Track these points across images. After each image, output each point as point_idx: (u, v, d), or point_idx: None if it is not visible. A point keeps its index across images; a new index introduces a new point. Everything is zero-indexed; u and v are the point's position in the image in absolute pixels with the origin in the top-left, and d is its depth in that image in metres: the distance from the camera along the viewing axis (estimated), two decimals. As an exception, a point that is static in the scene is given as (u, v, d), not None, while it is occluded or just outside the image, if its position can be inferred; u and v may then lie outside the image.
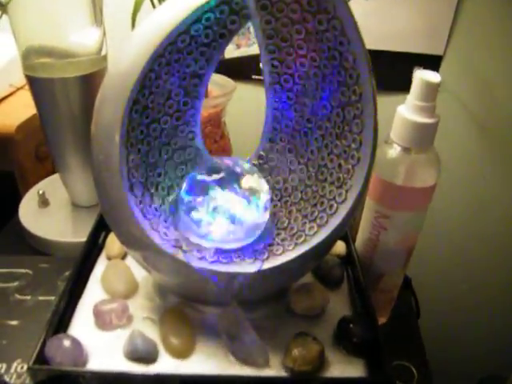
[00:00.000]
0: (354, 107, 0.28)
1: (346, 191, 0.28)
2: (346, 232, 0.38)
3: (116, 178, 0.27)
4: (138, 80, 0.26)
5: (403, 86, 0.42)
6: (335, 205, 0.29)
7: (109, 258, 0.38)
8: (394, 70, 0.55)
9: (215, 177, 0.29)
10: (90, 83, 0.42)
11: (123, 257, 0.38)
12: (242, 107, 0.57)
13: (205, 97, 0.32)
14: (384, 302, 0.39)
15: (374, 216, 0.35)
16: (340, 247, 0.38)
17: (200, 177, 0.29)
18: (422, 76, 0.31)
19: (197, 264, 0.28)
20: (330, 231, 0.29)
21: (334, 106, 0.29)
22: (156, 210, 0.30)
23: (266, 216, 0.31)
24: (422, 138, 0.32)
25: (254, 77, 0.59)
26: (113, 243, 0.38)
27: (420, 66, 0.55)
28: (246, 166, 0.31)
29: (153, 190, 0.30)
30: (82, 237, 0.41)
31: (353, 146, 0.28)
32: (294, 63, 0.29)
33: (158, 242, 0.28)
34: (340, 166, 0.29)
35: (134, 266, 0.35)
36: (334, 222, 0.29)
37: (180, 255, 0.28)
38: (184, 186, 0.30)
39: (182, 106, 0.32)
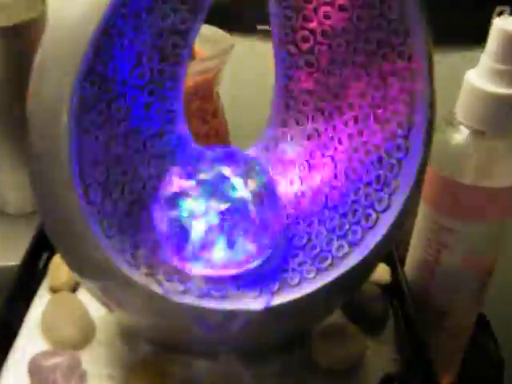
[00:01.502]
0: (400, 76, 0.28)
1: (390, 195, 0.29)
2: (390, 252, 0.39)
3: (63, 176, 0.28)
4: (93, 39, 0.27)
5: (474, 41, 0.42)
6: (374, 214, 0.30)
7: (53, 291, 0.38)
8: (460, 18, 0.56)
9: (205, 176, 0.30)
10: (19, 38, 0.42)
11: (73, 288, 0.39)
12: (243, 74, 0.57)
13: (190, 59, 0.34)
14: (449, 353, 0.39)
15: (431, 229, 0.36)
16: (382, 273, 0.39)
17: (184, 176, 0.30)
18: (504, 26, 0.31)
19: (178, 299, 0.29)
20: (368, 251, 0.29)
21: (372, 75, 0.29)
22: (121, 222, 0.31)
23: (277, 230, 0.32)
24: (502, 116, 0.33)
25: (259, 27, 0.59)
26: (58, 269, 0.39)
27: (502, 10, 0.54)
28: (249, 159, 0.32)
29: (116, 194, 0.31)
30: (12, 259, 0.41)
31: (398, 130, 0.29)
32: (316, 13, 0.30)
33: (123, 268, 0.29)
34: (380, 159, 0.30)
35: (89, 302, 0.36)
36: (373, 238, 0.29)
37: (154, 286, 0.29)
38: (161, 188, 0.31)
39: (156, 75, 0.32)
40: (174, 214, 0.30)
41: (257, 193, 0.30)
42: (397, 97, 0.29)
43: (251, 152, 0.36)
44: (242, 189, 0.30)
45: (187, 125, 0.35)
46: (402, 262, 0.39)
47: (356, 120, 0.31)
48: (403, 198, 0.29)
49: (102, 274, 0.29)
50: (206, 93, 0.46)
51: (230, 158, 0.32)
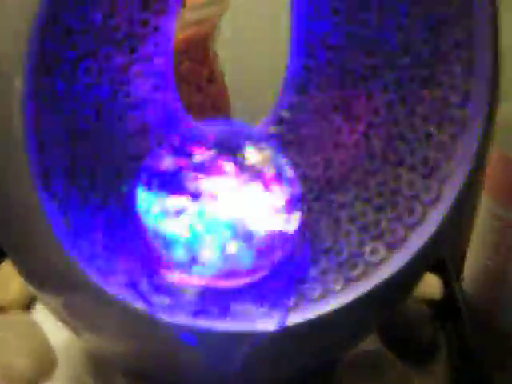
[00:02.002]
0: (456, 27, 0.29)
1: (440, 182, 0.30)
2: (441, 259, 0.40)
3: (16, 158, 0.28)
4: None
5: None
6: (420, 208, 0.30)
7: (-1, 309, 0.39)
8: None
9: (200, 158, 0.30)
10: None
11: (26, 306, 0.39)
12: (247, 26, 0.57)
13: (180, 7, 0.34)
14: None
15: (496, 228, 0.37)
16: (431, 286, 0.40)
17: (173, 159, 0.31)
18: None
19: (167, 318, 0.29)
20: (412, 256, 0.30)
21: (418, 27, 0.30)
22: (91, 217, 0.31)
23: (293, 228, 0.32)
24: None
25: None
26: (6, 282, 0.39)
27: None
28: (257, 137, 0.32)
29: (85, 183, 0.32)
30: None
31: (452, 98, 0.29)
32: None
33: (94, 277, 0.29)
34: (428, 137, 0.30)
35: (48, 324, 0.36)
36: (418, 238, 0.30)
37: (135, 301, 0.29)
38: (142, 175, 0.32)
39: (137, 26, 0.33)
40: (159, 209, 0.31)
41: (266, 181, 0.31)
42: (451, 55, 0.29)
43: (259, 128, 0.37)
44: (246, 178, 0.31)
45: (177, 93, 0.36)
46: (458, 273, 0.40)
47: (397, 84, 0.31)
48: (458, 187, 0.29)
49: (66, 285, 0.30)
50: (200, 51, 0.46)
51: (231, 137, 0.32)
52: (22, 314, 0.39)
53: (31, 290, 0.33)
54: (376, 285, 0.30)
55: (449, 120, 0.30)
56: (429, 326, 0.38)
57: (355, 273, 0.31)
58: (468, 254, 0.39)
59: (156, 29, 0.33)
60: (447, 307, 0.39)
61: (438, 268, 0.40)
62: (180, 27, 0.42)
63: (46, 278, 0.31)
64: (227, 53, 0.50)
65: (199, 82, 0.47)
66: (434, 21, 0.30)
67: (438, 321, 0.38)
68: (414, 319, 0.38)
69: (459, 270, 0.40)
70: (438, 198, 0.30)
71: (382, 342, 0.38)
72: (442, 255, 0.39)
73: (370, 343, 0.37)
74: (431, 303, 0.39)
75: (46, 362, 0.36)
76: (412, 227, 0.30)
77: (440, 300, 0.40)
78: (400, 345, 0.37)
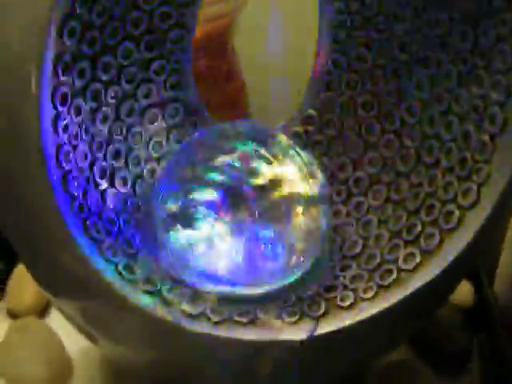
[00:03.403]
0: (498, 21, 0.28)
1: (479, 185, 0.29)
2: (475, 265, 0.39)
3: (33, 159, 0.27)
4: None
5: None
6: (457, 211, 0.29)
7: (13, 316, 0.39)
8: None
9: (223, 160, 0.30)
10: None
11: (41, 313, 0.39)
12: (267, 19, 0.54)
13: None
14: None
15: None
16: (463, 293, 0.39)
17: (194, 159, 0.30)
18: None
19: (190, 326, 0.29)
20: (448, 262, 0.29)
21: (457, 20, 0.29)
22: (111, 222, 0.31)
23: (322, 230, 0.31)
24: None
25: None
26: (20, 287, 0.39)
27: None
28: (281, 138, 0.32)
29: (105, 184, 0.31)
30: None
31: (492, 95, 0.28)
32: None
33: (114, 283, 0.29)
34: (466, 135, 0.29)
35: (64, 331, 0.36)
36: (456, 244, 0.29)
37: (157, 308, 0.29)
38: (163, 175, 0.31)
39: (157, 20, 0.32)
40: (180, 212, 0.30)
41: (290, 182, 0.31)
42: (490, 46, 0.28)
43: (284, 128, 0.36)
44: (270, 179, 0.30)
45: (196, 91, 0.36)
46: (491, 279, 0.39)
47: (432, 79, 0.31)
48: (499, 190, 0.28)
49: (84, 292, 0.29)
50: (218, 47, 0.46)
51: (255, 138, 0.31)
52: (37, 321, 0.38)
53: (47, 295, 0.32)
54: (410, 293, 0.29)
55: (489, 118, 0.29)
56: (460, 333, 0.37)
57: (388, 280, 0.30)
58: (501, 259, 0.39)
59: (178, 22, 0.33)
60: (479, 315, 0.38)
61: (470, 274, 0.39)
62: (198, 22, 0.42)
63: (63, 283, 0.30)
64: (246, 49, 0.50)
65: (217, 79, 0.47)
66: (473, 14, 0.29)
67: (469, 329, 0.38)
68: (445, 327, 0.37)
69: (492, 276, 0.39)
70: (476, 202, 0.29)
71: (413, 350, 0.37)
72: (477, 262, 0.39)
73: (399, 352, 0.36)
74: (462, 310, 0.39)
75: (61, 371, 0.36)
76: (449, 232, 0.29)
77: (471, 307, 0.39)
78: (431, 354, 0.37)
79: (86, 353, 0.37)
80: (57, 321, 0.37)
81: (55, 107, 0.28)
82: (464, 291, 0.39)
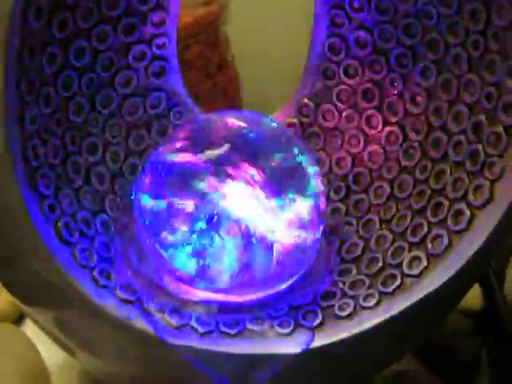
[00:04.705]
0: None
1: (492, 182, 0.28)
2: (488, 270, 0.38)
3: None
4: None
5: None
6: (468, 211, 0.28)
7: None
8: None
9: (210, 154, 0.29)
10: None
11: (16, 320, 0.38)
12: (263, 4, 0.56)
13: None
14: None
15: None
16: (472, 298, 0.38)
17: (179, 156, 0.30)
18: None
19: (173, 338, 0.28)
20: (458, 267, 0.28)
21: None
22: (86, 223, 0.30)
23: (318, 232, 0.30)
24: None
25: None
26: None
27: None
28: (274, 128, 0.31)
29: (78, 183, 0.31)
30: None
31: (507, 82, 0.27)
32: None
33: (88, 291, 0.28)
34: (477, 127, 0.29)
35: (41, 340, 0.35)
36: (467, 246, 0.28)
37: (137, 319, 0.28)
38: (144, 172, 0.30)
39: (136, 1, 0.32)
40: (164, 213, 0.30)
41: (285, 178, 0.30)
42: (505, 28, 0.27)
43: (277, 119, 0.35)
44: (265, 172, 0.29)
45: (184, 79, 0.35)
46: (501, 282, 0.38)
47: (440, 65, 0.30)
48: None
49: (56, 300, 0.28)
50: (210, 34, 0.46)
51: (245, 132, 0.30)
52: (12, 328, 0.38)
53: (18, 304, 0.32)
54: (415, 301, 0.28)
55: (503, 108, 0.28)
56: (469, 339, 0.37)
57: (391, 287, 0.29)
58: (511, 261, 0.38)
59: (158, 4, 0.32)
60: (489, 320, 0.38)
61: (482, 279, 0.39)
62: (187, 8, 0.43)
63: (33, 290, 0.29)
64: (239, 36, 0.50)
65: (208, 67, 0.47)
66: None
67: (478, 334, 0.37)
68: (452, 332, 0.37)
69: (502, 279, 0.38)
70: (489, 200, 0.28)
71: (418, 360, 0.36)
72: (489, 266, 0.38)
73: (406, 361, 0.35)
74: (470, 314, 0.38)
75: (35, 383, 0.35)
76: (459, 233, 0.28)
77: (480, 311, 0.38)
78: (437, 360, 0.36)
79: (65, 365, 0.36)
80: (34, 329, 0.35)
81: (21, 96, 0.27)
82: (472, 294, 0.37)
